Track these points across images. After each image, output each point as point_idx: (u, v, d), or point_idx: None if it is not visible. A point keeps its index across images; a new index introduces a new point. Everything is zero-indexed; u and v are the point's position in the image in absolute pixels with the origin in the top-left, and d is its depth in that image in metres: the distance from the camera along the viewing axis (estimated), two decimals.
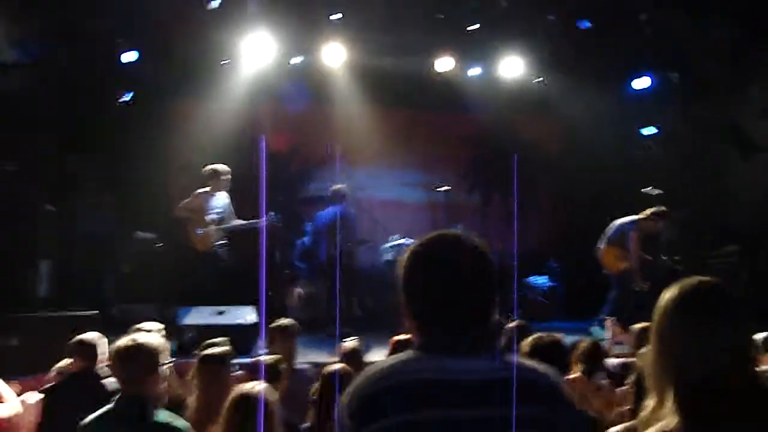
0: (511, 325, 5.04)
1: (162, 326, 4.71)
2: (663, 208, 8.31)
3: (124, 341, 2.99)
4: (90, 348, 4.06)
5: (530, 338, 3.49)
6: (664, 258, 8.88)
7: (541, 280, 10.62)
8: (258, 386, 3.04)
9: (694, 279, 1.70)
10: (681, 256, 9.64)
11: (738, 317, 1.65)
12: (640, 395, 3.14)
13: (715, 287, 1.68)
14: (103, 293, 8.67)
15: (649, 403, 1.69)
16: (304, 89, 10.19)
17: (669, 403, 1.60)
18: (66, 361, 4.30)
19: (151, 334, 3.25)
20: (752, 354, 1.66)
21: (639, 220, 8.23)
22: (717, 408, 1.55)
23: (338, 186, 8.61)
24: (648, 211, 8.22)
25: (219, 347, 4.18)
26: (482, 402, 1.53)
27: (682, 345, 1.62)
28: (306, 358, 6.08)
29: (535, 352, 3.31)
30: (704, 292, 1.67)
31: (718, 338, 1.60)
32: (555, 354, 3.34)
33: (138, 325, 4.61)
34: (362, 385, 1.59)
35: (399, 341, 4.40)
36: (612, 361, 4.33)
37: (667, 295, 1.70)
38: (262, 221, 7.88)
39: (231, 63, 9.35)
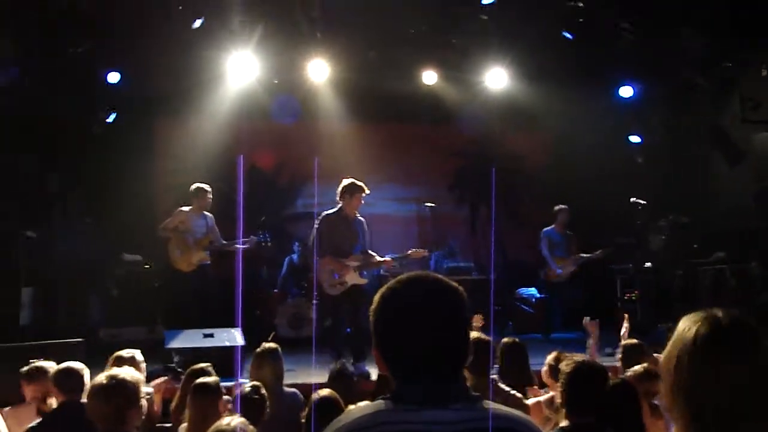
0: (505, 341, 4.99)
1: (139, 353, 4.68)
2: (557, 207, 9.27)
3: (101, 378, 2.94)
4: (76, 378, 3.88)
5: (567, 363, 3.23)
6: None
7: (530, 291, 10.60)
8: (234, 420, 2.99)
9: (721, 316, 1.54)
10: (669, 263, 9.67)
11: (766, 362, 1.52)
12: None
13: (743, 327, 1.53)
14: (90, 318, 8.58)
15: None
16: (293, 101, 10.17)
17: None
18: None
19: (126, 368, 3.20)
20: None
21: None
22: None
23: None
24: None
25: (210, 376, 4.15)
26: None
27: (705, 391, 1.49)
28: (296, 379, 6.03)
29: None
30: (734, 334, 1.51)
31: (746, 386, 1.47)
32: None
33: (118, 352, 4.59)
34: None
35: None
36: None
37: (690, 329, 1.54)
38: (240, 243, 7.79)
39: (215, 81, 9.31)
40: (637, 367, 4.12)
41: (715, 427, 1.49)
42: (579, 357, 3.28)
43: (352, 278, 7.14)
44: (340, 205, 7.18)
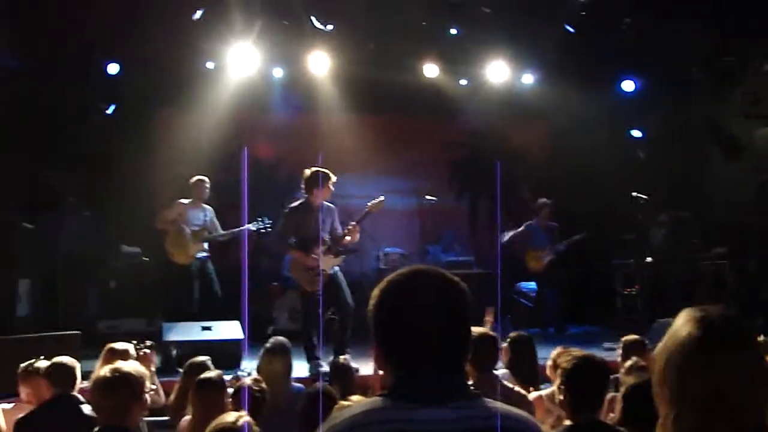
0: (513, 335, 4.97)
1: (132, 348, 4.67)
2: (539, 201, 9.64)
3: (107, 371, 2.93)
4: (67, 372, 3.93)
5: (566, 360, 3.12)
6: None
7: (530, 286, 10.57)
8: (241, 420, 2.96)
9: (715, 315, 1.52)
10: (670, 258, 9.66)
11: (762, 365, 1.51)
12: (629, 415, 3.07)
13: (739, 329, 1.52)
14: (88, 310, 8.56)
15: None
16: (293, 96, 10.14)
17: None
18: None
19: (131, 362, 3.20)
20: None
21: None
22: None
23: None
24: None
25: (210, 370, 4.14)
26: None
27: (693, 387, 1.49)
28: (297, 372, 6.02)
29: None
30: (724, 334, 1.50)
31: (740, 393, 1.47)
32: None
33: (111, 344, 4.59)
34: None
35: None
36: None
37: (682, 328, 1.52)
38: (244, 229, 7.76)
39: (216, 72, 9.27)
40: (628, 363, 4.12)
41: (698, 422, 1.48)
42: (578, 352, 3.20)
43: (327, 263, 6.73)
44: (305, 197, 6.81)
